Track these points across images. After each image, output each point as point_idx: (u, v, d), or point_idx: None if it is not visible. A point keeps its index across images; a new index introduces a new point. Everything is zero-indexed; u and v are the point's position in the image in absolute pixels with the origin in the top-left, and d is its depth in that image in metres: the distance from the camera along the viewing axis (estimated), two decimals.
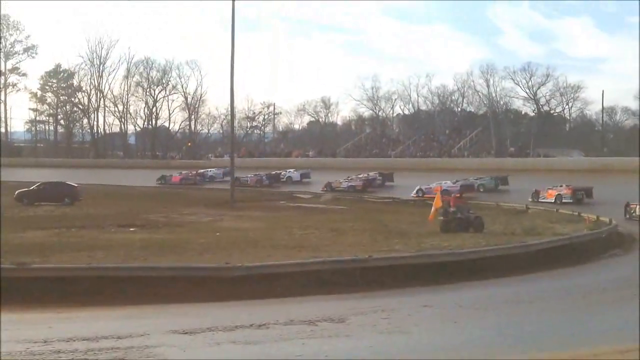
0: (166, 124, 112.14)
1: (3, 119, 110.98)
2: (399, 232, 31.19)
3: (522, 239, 27.35)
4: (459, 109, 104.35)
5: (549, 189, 48.46)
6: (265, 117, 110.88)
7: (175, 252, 24.34)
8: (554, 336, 13.02)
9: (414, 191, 54.73)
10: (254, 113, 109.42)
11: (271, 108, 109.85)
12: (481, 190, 54.60)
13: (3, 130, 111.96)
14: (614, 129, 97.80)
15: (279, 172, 70.04)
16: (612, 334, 12.97)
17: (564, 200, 46.08)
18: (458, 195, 40.64)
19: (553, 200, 46.49)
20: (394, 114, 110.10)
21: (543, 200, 47.29)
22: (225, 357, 11.78)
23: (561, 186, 48.24)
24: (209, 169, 77.74)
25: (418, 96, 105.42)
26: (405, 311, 16.07)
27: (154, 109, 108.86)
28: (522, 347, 11.97)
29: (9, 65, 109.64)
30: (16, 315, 15.40)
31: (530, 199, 47.69)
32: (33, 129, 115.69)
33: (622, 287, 19.50)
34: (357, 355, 11.80)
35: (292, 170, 71.38)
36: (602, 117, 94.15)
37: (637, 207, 38.21)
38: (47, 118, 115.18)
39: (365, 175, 63.36)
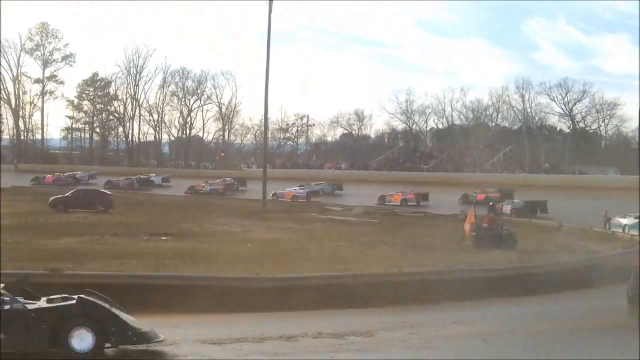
0: (200, 134, 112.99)
1: (40, 126, 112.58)
2: (429, 246, 31.08)
3: (555, 257, 27.11)
4: (493, 124, 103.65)
5: (394, 194, 58.36)
6: (299, 129, 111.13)
7: (206, 262, 24.50)
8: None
9: (271, 194, 61.10)
10: (287, 124, 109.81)
11: (304, 120, 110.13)
12: (320, 194, 64.08)
13: (39, 137, 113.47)
14: None
15: (147, 176, 78.69)
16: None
17: (409, 204, 56.26)
18: (492, 215, 40.56)
19: (399, 203, 55.98)
20: (428, 128, 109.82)
21: (389, 204, 56.46)
22: None
23: (405, 192, 58.64)
24: (77, 172, 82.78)
25: (452, 110, 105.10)
26: (433, 327, 16.01)
27: (188, 119, 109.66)
28: None
29: (47, 72, 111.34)
30: None
31: (377, 202, 56.68)
32: (69, 136, 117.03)
33: None
34: None
35: (154, 175, 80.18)
36: (639, 134, 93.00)
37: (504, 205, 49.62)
38: (83, 126, 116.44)
39: (223, 180, 72.94)
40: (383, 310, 18.52)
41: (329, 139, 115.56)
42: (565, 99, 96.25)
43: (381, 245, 31.59)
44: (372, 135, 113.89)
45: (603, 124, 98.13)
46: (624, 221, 38.68)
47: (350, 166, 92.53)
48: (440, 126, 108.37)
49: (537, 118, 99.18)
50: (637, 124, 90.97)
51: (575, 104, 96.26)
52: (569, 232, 38.57)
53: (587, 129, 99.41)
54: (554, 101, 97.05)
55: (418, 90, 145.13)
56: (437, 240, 33.23)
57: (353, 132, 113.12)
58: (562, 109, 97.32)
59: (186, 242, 32.08)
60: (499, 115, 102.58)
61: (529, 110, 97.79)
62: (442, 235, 35.45)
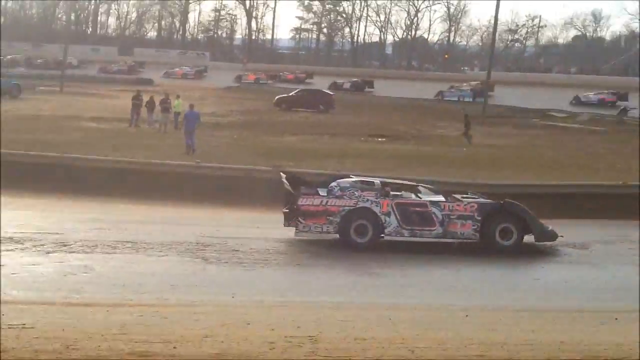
0: (425, 35, 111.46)
1: (271, 26, 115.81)
2: None
3: None
4: None
5: None
6: (528, 30, 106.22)
7: (421, 164, 24.34)
8: None
9: None
10: (517, 25, 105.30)
11: (536, 21, 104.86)
12: None
13: (269, 37, 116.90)
14: None
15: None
16: None
17: None
18: None
19: None
20: None
21: None
22: None
23: None
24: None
25: None
26: None
27: (415, 19, 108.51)
28: None
29: None
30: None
31: None
32: (297, 36, 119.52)
33: None
34: None
35: None
36: None
37: None
38: (311, 26, 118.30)
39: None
40: None
41: (560, 41, 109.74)
42: None
43: None
44: (608, 38, 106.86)
45: None
46: None
47: (579, 71, 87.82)
48: None
49: None
50: None
51: None
52: None
53: None
54: None
55: None
56: None
57: (587, 34, 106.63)
58: None
59: (401, 144, 32.15)
60: None
61: None
62: None
